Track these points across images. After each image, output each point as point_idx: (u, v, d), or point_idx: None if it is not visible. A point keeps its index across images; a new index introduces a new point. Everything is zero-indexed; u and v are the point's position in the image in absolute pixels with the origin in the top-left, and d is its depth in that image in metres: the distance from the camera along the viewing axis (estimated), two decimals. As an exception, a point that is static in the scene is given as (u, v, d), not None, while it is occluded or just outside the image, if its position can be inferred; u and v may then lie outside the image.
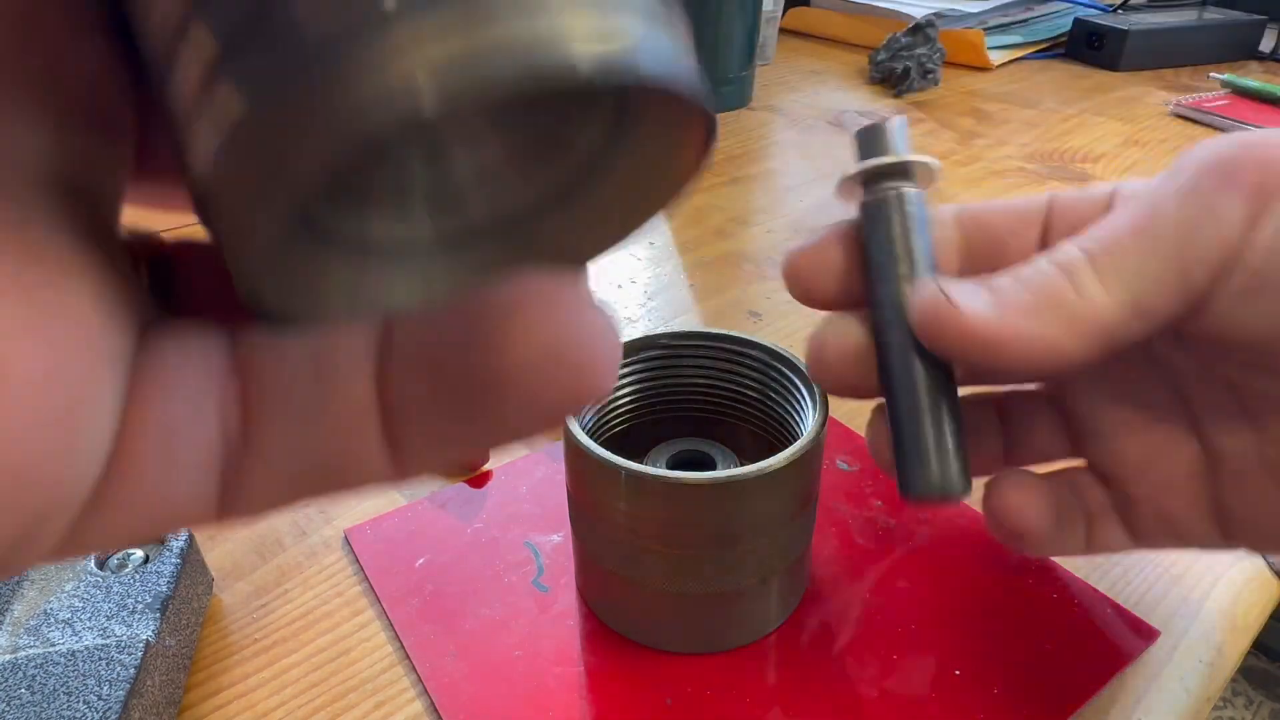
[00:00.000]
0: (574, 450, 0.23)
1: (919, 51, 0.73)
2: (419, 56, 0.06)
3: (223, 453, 0.09)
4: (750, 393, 0.27)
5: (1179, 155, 0.19)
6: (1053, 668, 0.23)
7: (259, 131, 0.07)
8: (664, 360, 0.27)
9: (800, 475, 0.23)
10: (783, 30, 0.88)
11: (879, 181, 0.20)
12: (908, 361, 0.20)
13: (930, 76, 0.74)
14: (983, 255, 0.21)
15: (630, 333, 0.27)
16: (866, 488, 0.30)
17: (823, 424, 0.23)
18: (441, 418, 0.10)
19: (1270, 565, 0.28)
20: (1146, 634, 0.25)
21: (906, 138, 0.20)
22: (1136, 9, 0.88)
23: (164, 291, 0.11)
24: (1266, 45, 0.85)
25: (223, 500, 0.10)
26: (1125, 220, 0.18)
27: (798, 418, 0.25)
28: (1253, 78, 0.75)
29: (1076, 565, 0.27)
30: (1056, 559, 0.27)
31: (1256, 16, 0.85)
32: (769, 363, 0.26)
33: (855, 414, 0.34)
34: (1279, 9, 0.89)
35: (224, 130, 0.07)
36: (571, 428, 0.23)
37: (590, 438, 0.23)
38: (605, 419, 0.27)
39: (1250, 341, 0.18)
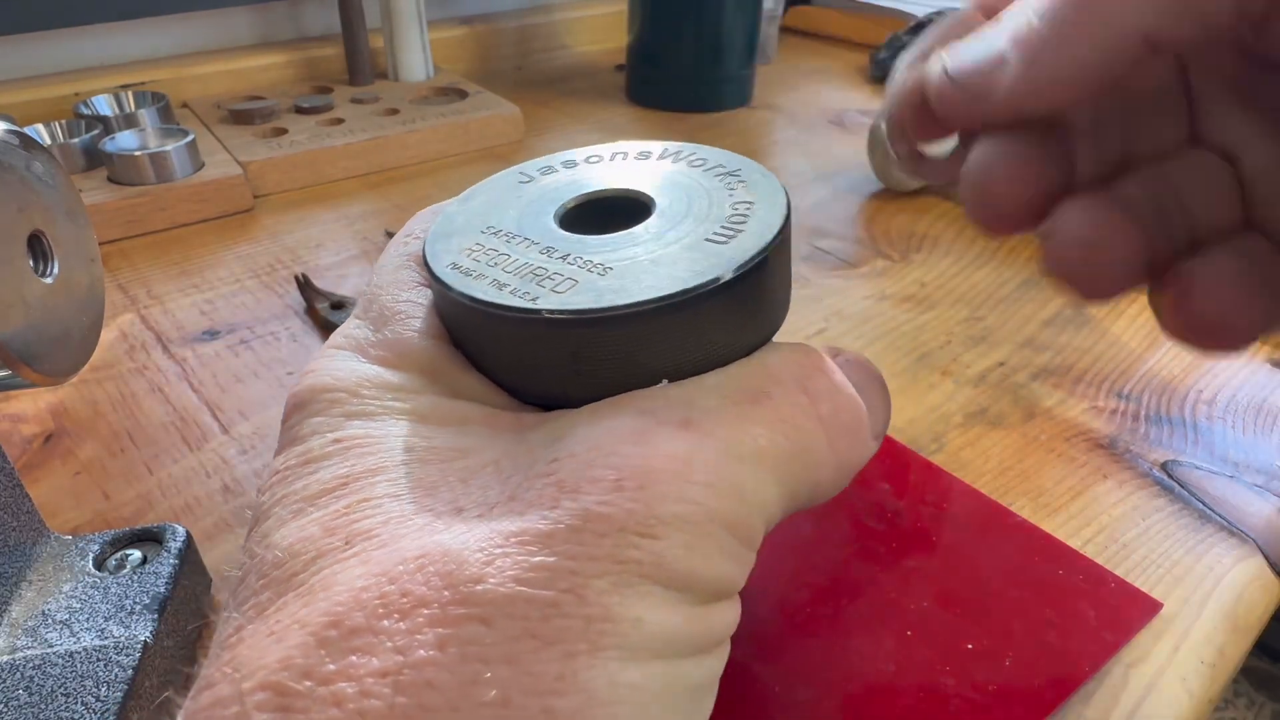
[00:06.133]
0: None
1: (920, 48, 0.73)
2: None
3: None
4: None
5: None
6: (1062, 638, 0.24)
7: None
8: None
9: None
10: (784, 29, 0.88)
11: None
12: None
13: (932, 74, 0.73)
14: None
15: None
16: (873, 472, 0.30)
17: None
18: None
19: (1272, 565, 0.28)
20: (1150, 606, 0.25)
21: None
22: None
23: None
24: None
25: None
26: None
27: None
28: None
29: (1081, 542, 0.27)
30: (1061, 537, 0.27)
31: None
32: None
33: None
34: None
35: None
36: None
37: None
38: None
39: None
